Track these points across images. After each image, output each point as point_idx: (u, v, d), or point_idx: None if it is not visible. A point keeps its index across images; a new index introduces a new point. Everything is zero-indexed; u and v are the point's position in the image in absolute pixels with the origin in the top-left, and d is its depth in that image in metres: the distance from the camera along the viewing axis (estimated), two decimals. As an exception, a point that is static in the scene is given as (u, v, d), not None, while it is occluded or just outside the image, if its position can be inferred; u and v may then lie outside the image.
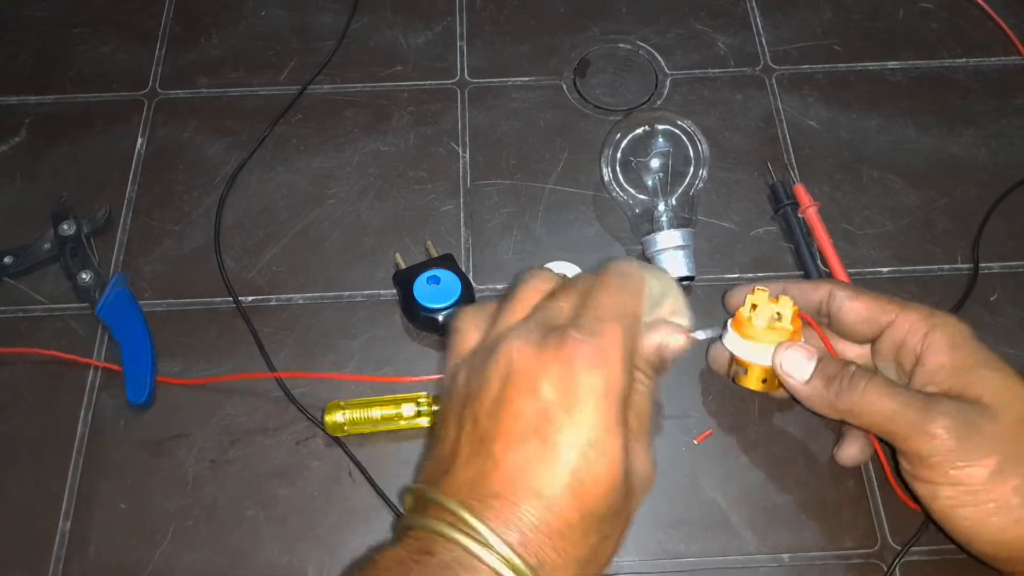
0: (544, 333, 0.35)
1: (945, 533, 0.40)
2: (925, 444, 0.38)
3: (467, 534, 0.31)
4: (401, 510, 0.46)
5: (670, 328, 0.38)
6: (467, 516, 0.32)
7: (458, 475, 0.34)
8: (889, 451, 0.42)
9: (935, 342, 0.40)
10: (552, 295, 0.38)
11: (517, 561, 0.31)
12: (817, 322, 0.44)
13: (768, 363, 0.42)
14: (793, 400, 0.43)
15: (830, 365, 0.41)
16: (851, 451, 0.45)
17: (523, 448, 0.33)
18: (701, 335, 0.42)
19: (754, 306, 0.43)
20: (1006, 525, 0.37)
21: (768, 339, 0.42)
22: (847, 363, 0.41)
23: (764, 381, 0.43)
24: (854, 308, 0.42)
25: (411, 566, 0.31)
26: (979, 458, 0.37)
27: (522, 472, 0.32)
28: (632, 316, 0.36)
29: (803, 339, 0.43)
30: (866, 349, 0.44)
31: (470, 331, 0.38)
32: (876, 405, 0.39)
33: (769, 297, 0.43)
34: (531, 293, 0.38)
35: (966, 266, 0.54)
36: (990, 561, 0.39)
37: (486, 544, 0.31)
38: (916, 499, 0.40)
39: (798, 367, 0.41)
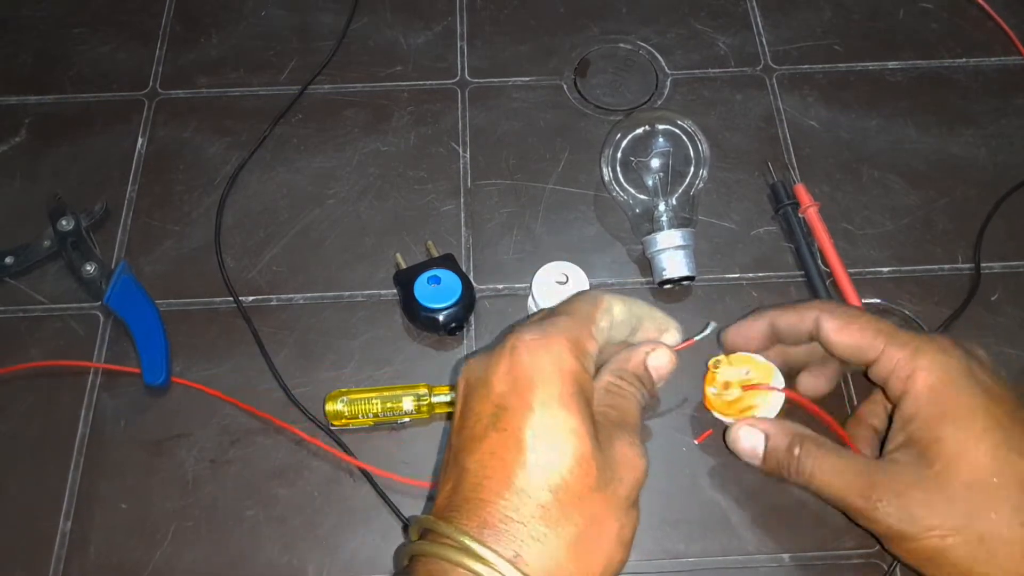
0: (494, 346, 0.37)
1: None
2: (872, 527, 0.39)
3: (442, 543, 0.32)
4: (402, 517, 0.46)
5: (653, 344, 0.40)
6: (441, 526, 0.32)
7: (440, 497, 0.35)
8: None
9: (914, 389, 0.38)
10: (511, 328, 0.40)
11: (489, 555, 0.31)
12: (811, 344, 0.44)
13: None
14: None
15: (778, 446, 0.41)
16: (813, 382, 0.46)
17: (484, 444, 0.34)
18: (705, 333, 0.43)
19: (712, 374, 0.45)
20: None
21: (727, 411, 0.44)
22: (793, 439, 0.41)
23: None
24: (841, 342, 0.41)
25: None
26: (924, 532, 0.37)
27: (487, 468, 0.33)
28: (583, 314, 0.38)
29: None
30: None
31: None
32: (824, 489, 0.40)
33: (731, 360, 0.44)
34: None
35: (967, 266, 0.53)
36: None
37: (461, 547, 0.31)
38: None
39: (750, 449, 0.43)
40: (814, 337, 0.43)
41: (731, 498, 0.46)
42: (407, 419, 0.48)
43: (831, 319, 0.41)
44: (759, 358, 0.45)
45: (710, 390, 0.45)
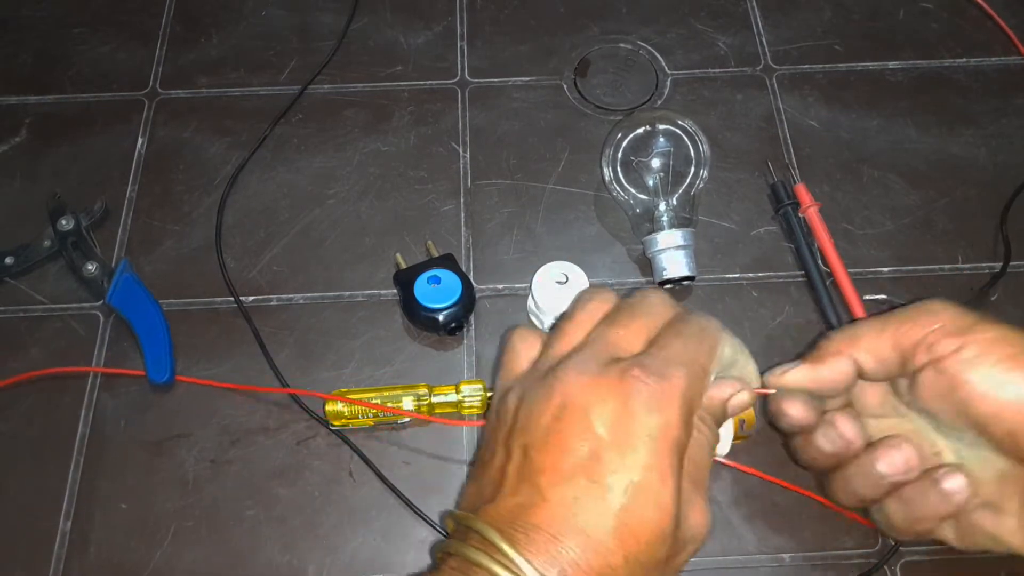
0: (603, 365, 0.34)
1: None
2: (929, 321, 0.37)
3: (506, 567, 0.31)
4: (417, 510, 0.46)
5: (738, 383, 0.37)
6: (506, 547, 0.31)
7: (501, 505, 0.33)
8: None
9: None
10: (610, 319, 0.37)
11: None
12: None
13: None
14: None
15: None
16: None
17: (571, 485, 0.32)
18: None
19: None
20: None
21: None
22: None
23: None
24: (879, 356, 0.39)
25: None
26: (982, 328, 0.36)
27: (568, 509, 0.32)
28: (701, 369, 0.35)
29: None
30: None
31: (523, 352, 0.38)
32: (868, 325, 0.39)
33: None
34: (588, 316, 0.37)
35: (967, 265, 0.54)
36: (1011, 444, 0.36)
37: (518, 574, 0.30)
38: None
39: (795, 378, 0.40)
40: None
41: (731, 498, 0.46)
42: (407, 419, 0.48)
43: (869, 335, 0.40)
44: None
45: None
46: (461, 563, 0.32)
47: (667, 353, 0.35)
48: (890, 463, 0.39)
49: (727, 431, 0.42)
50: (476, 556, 0.31)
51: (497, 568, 0.31)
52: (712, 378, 0.36)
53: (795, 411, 0.40)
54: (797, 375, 0.40)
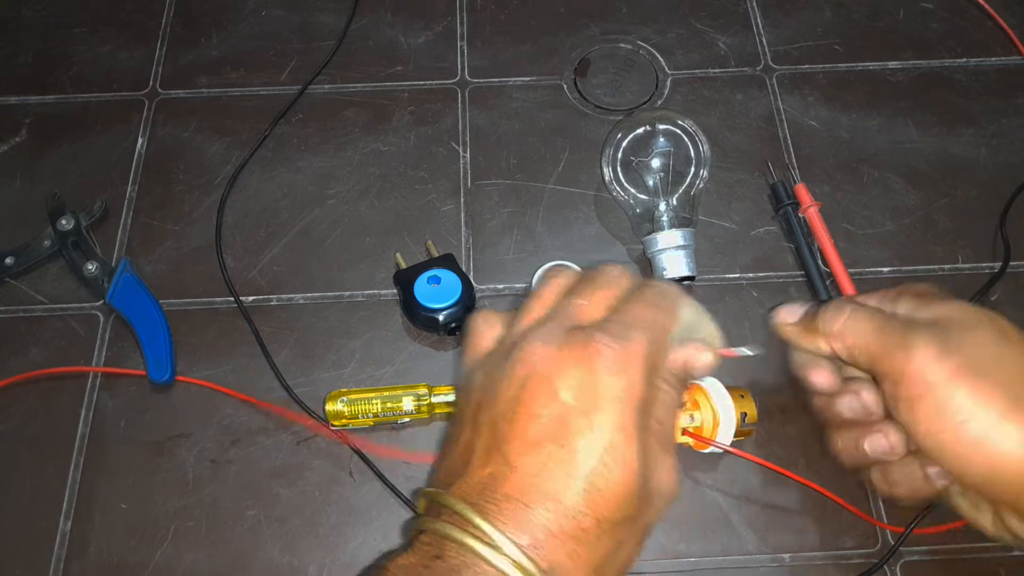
0: (566, 334, 0.35)
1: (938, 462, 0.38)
2: (904, 360, 0.37)
3: (477, 537, 0.31)
4: (413, 508, 0.46)
5: (700, 345, 0.38)
6: (477, 519, 0.31)
7: (471, 478, 0.33)
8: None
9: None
10: (571, 292, 0.38)
11: (528, 564, 0.30)
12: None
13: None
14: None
15: (811, 310, 0.41)
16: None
17: (539, 452, 0.32)
18: (745, 351, 0.41)
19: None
20: (989, 443, 0.35)
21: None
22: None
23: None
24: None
25: (420, 571, 0.31)
26: (959, 373, 0.36)
27: (537, 476, 0.32)
28: (662, 330, 0.36)
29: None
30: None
31: (486, 331, 0.38)
32: (860, 323, 0.39)
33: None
34: (550, 291, 0.38)
35: (967, 265, 0.54)
36: (982, 488, 0.37)
37: (496, 547, 0.31)
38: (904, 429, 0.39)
39: (791, 313, 0.42)
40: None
41: (731, 498, 0.46)
42: (407, 419, 0.48)
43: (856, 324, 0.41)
44: (713, 389, 0.44)
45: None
46: (433, 538, 0.32)
47: (628, 318, 0.36)
48: (872, 445, 0.40)
49: (729, 424, 0.43)
50: (448, 530, 0.32)
51: (469, 540, 0.31)
52: (673, 338, 0.37)
53: (820, 379, 0.42)
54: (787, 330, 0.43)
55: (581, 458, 0.32)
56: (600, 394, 0.33)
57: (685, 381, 0.38)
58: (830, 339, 0.40)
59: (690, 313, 0.38)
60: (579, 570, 0.32)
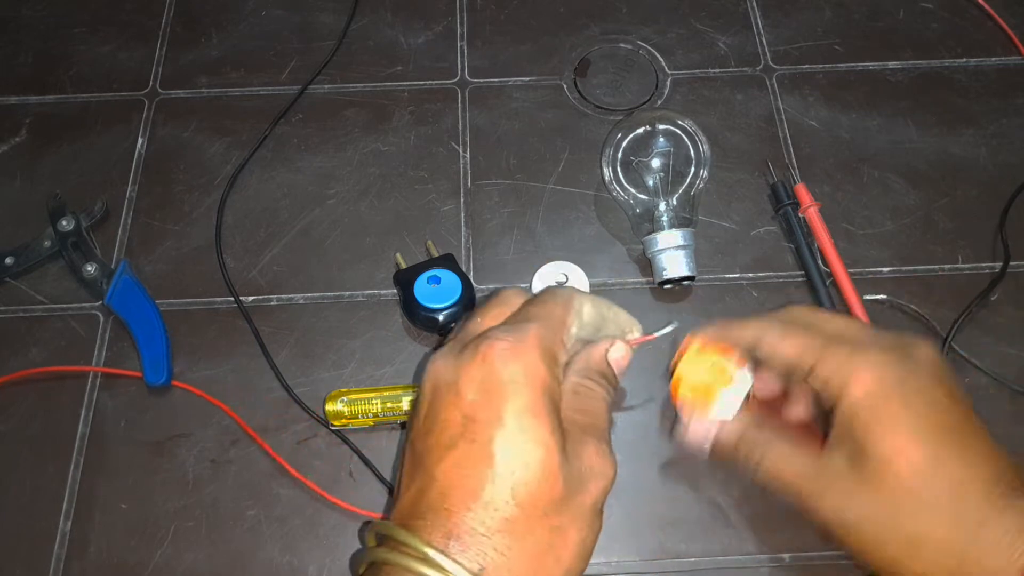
0: (462, 345, 0.36)
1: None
2: (813, 518, 0.38)
3: (406, 554, 0.32)
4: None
5: (611, 339, 0.40)
6: (404, 535, 0.32)
7: (403, 501, 0.34)
8: None
9: (850, 396, 0.37)
10: (468, 318, 0.39)
11: (457, 569, 0.31)
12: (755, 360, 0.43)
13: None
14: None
15: (724, 444, 0.41)
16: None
17: (453, 454, 0.33)
18: (665, 330, 0.42)
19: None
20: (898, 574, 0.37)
21: (694, 385, 0.43)
22: (746, 427, 0.41)
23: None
24: (779, 353, 0.40)
25: None
26: (857, 528, 0.37)
27: (454, 478, 0.33)
28: (557, 320, 0.37)
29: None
30: None
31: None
32: (772, 478, 0.39)
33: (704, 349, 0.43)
34: (476, 320, 0.39)
35: (966, 265, 0.54)
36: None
37: (425, 559, 0.31)
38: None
39: (700, 439, 0.42)
40: (759, 357, 0.42)
41: (731, 498, 0.46)
42: (407, 419, 0.48)
43: (771, 333, 0.41)
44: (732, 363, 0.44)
45: (684, 365, 0.43)
46: (370, 568, 0.33)
47: (519, 317, 0.37)
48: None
49: (737, 400, 0.42)
50: (384, 555, 0.32)
51: (403, 559, 0.32)
52: (573, 330, 0.38)
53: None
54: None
55: (493, 446, 0.33)
56: (501, 383, 0.34)
57: (613, 378, 0.39)
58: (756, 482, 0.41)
59: (591, 308, 0.39)
60: (514, 563, 0.32)
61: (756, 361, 0.42)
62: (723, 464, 0.42)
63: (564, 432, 0.35)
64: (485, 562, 0.31)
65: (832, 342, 0.39)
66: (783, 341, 0.40)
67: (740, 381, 0.43)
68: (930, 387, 0.37)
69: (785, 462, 0.39)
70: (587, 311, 0.39)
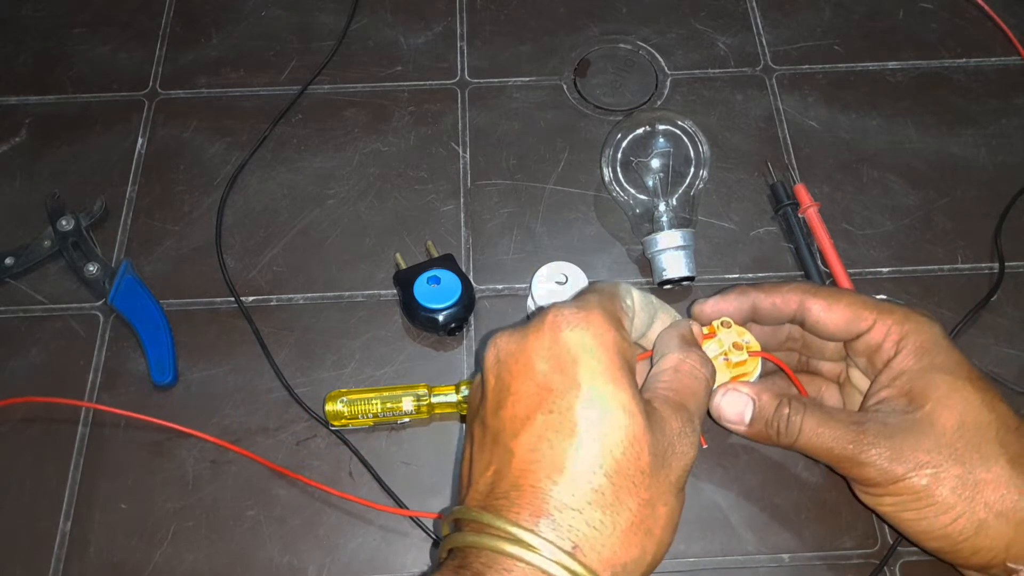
0: (523, 326, 0.36)
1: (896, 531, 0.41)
2: (860, 471, 0.39)
3: (494, 535, 0.30)
4: (436, 535, 0.46)
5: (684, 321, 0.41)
6: (488, 518, 0.31)
7: (478, 485, 0.33)
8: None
9: (906, 347, 0.40)
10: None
11: (549, 548, 0.30)
12: (791, 326, 0.44)
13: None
14: None
15: (766, 408, 0.41)
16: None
17: (531, 426, 0.32)
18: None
19: (714, 333, 0.43)
20: (947, 523, 0.37)
21: (722, 373, 0.43)
22: (782, 400, 0.41)
23: None
24: (830, 319, 0.41)
25: None
26: (914, 470, 0.37)
27: (536, 452, 0.32)
28: (610, 295, 0.37)
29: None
30: (839, 345, 0.44)
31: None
32: (813, 441, 0.39)
33: (724, 325, 0.43)
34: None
35: (966, 266, 0.54)
36: (939, 555, 0.40)
37: (514, 539, 0.30)
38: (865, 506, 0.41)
39: (736, 414, 0.42)
40: (796, 319, 0.43)
41: (731, 498, 0.46)
42: (407, 419, 0.48)
43: (817, 300, 0.42)
44: (748, 332, 0.44)
45: (709, 348, 0.43)
46: (457, 551, 0.32)
47: (577, 298, 0.37)
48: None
49: (758, 372, 0.43)
50: (467, 539, 0.31)
51: (487, 540, 0.30)
52: (628, 303, 0.39)
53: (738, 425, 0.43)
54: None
55: (571, 414, 0.32)
56: (572, 350, 0.33)
57: (714, 373, 0.40)
58: (786, 448, 0.41)
59: (639, 295, 0.40)
60: (608, 538, 0.31)
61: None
62: (757, 437, 0.42)
63: (648, 403, 0.34)
64: (577, 538, 0.30)
65: (882, 305, 0.41)
66: (833, 307, 0.41)
67: (756, 346, 0.44)
68: (956, 346, 0.40)
69: (826, 423, 0.39)
70: (636, 294, 0.40)
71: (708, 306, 0.44)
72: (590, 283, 0.40)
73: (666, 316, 0.42)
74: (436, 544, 0.44)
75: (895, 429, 0.38)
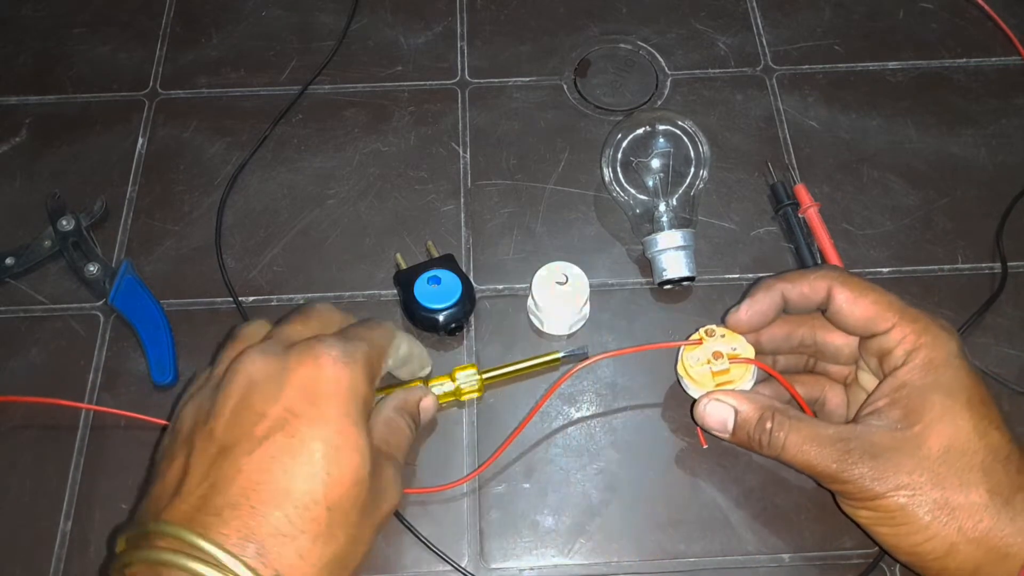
0: (285, 347, 0.37)
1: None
2: (842, 487, 0.39)
3: (196, 558, 0.30)
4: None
5: (425, 391, 0.45)
6: (193, 538, 0.30)
7: (187, 497, 0.32)
8: None
9: (915, 360, 0.40)
10: (283, 322, 0.40)
11: (243, 572, 0.30)
12: (812, 312, 0.44)
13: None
14: None
15: (749, 419, 0.41)
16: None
17: (268, 446, 0.33)
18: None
19: (702, 340, 0.44)
20: (919, 542, 0.37)
21: (704, 382, 0.44)
22: (764, 413, 0.41)
23: None
24: (852, 313, 0.41)
25: None
26: (893, 491, 0.37)
27: (267, 473, 0.32)
28: (380, 347, 0.40)
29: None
30: (852, 350, 0.44)
31: (194, 384, 0.39)
32: (797, 458, 0.40)
33: (708, 333, 0.44)
34: (250, 331, 0.40)
35: (966, 266, 0.54)
36: (910, 568, 0.40)
37: (215, 564, 0.30)
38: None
39: (719, 422, 0.42)
40: (823, 307, 0.43)
41: (731, 498, 0.46)
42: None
43: (844, 290, 0.42)
44: (741, 338, 0.45)
45: (692, 357, 0.44)
46: (145, 568, 0.31)
47: (349, 335, 0.38)
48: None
49: (751, 374, 0.44)
50: (162, 556, 0.30)
51: (186, 561, 0.30)
52: (390, 361, 0.42)
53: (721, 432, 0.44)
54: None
55: (311, 444, 0.33)
56: (327, 388, 0.35)
57: (418, 420, 0.43)
58: (769, 458, 0.41)
59: (406, 347, 0.44)
60: (310, 568, 0.32)
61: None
62: (741, 445, 0.42)
63: (375, 450, 0.36)
64: (283, 567, 0.31)
65: (906, 310, 0.41)
66: (861, 299, 0.41)
67: (747, 352, 0.44)
68: (969, 364, 0.40)
69: (813, 434, 0.39)
70: (403, 348, 0.43)
71: (743, 313, 0.44)
72: (372, 323, 0.42)
73: (416, 363, 0.46)
74: (111, 556, 0.37)
75: (881, 448, 0.38)
